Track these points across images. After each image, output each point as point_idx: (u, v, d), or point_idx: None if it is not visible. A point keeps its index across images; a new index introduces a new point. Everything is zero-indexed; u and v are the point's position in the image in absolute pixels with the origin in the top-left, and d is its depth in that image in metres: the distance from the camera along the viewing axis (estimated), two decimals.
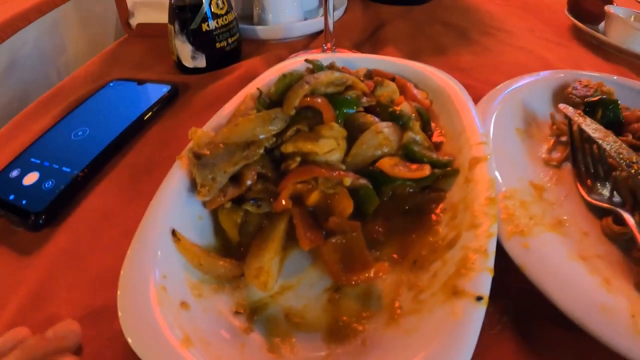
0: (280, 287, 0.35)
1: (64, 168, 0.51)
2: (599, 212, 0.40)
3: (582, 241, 0.38)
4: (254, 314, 0.33)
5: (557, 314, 0.31)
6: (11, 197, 0.47)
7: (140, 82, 0.64)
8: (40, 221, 0.45)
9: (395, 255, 0.35)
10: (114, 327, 0.35)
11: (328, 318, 0.32)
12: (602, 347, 0.29)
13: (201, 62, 0.66)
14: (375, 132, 0.40)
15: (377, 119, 0.42)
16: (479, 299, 0.28)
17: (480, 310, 0.28)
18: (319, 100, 0.40)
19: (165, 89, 0.62)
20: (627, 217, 0.38)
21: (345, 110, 0.41)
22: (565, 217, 0.40)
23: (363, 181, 0.37)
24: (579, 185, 0.43)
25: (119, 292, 0.32)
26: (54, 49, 1.10)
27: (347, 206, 0.35)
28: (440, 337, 0.27)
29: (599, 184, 0.42)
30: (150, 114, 0.59)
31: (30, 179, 0.50)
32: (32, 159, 0.53)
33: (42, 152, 0.54)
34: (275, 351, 0.31)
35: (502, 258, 0.33)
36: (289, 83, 0.42)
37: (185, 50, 0.65)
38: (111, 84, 0.65)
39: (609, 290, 0.32)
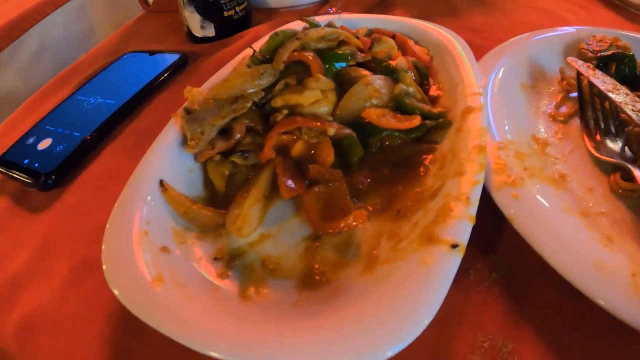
0: (260, 235, 0.35)
1: (74, 133, 0.53)
2: (606, 168, 0.38)
3: (585, 197, 0.36)
4: (231, 260, 0.33)
5: (551, 273, 0.29)
6: (25, 161, 0.50)
7: (152, 52, 0.66)
8: (50, 181, 0.48)
9: (379, 206, 0.35)
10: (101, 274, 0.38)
11: (303, 266, 0.32)
12: (598, 310, 0.26)
13: (210, 32, 0.67)
14: (364, 84, 0.39)
15: (370, 74, 0.41)
16: (455, 246, 0.27)
17: (455, 258, 0.27)
18: (308, 54, 0.39)
19: (174, 57, 0.63)
20: (638, 173, 0.35)
21: (335, 65, 0.40)
22: (568, 172, 0.38)
23: (347, 130, 0.36)
24: (586, 140, 0.40)
25: (105, 230, 0.33)
26: (83, 32, 1.14)
27: (328, 155, 0.35)
28: (408, 284, 0.26)
29: (608, 140, 0.40)
30: (158, 81, 0.60)
31: (44, 144, 0.53)
32: (47, 127, 0.56)
33: (57, 121, 0.57)
34: (245, 296, 0.31)
35: (495, 213, 0.32)
36: (281, 40, 0.42)
37: (194, 20, 0.66)
38: (125, 56, 0.67)
39: (608, 247, 0.30)
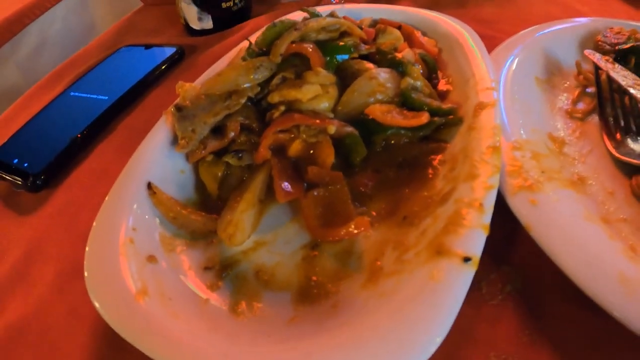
0: (254, 242, 0.33)
1: (65, 131, 0.51)
2: (628, 170, 0.35)
3: (606, 202, 0.33)
4: (223, 270, 0.31)
5: (570, 287, 0.26)
6: (15, 160, 0.48)
7: (148, 46, 0.64)
8: (39, 182, 0.46)
9: (383, 211, 0.32)
10: None
11: (300, 277, 0.30)
12: (620, 328, 0.24)
13: (208, 24, 0.64)
14: (368, 77, 0.36)
15: (374, 67, 0.38)
16: (467, 260, 0.24)
17: (467, 273, 0.24)
18: (307, 45, 0.36)
19: (171, 51, 0.61)
20: None
21: (336, 57, 0.37)
22: (588, 174, 0.35)
23: (349, 129, 0.33)
24: (606, 139, 0.37)
25: (89, 237, 0.31)
26: (83, 27, 1.12)
27: (328, 155, 0.32)
28: (415, 303, 0.23)
29: (629, 139, 0.37)
30: (154, 75, 0.58)
31: (34, 143, 0.51)
32: (38, 125, 0.54)
33: (48, 118, 0.55)
34: (236, 311, 0.28)
35: (509, 218, 0.29)
36: (279, 31, 0.39)
37: (191, 12, 0.64)
38: (120, 50, 0.65)
39: (632, 259, 0.27)
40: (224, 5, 0.63)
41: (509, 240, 0.32)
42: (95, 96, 0.56)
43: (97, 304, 0.27)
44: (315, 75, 0.35)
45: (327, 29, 0.39)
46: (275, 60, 0.37)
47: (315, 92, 0.34)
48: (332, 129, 0.33)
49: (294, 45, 0.37)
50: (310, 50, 0.36)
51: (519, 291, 0.30)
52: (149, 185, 0.35)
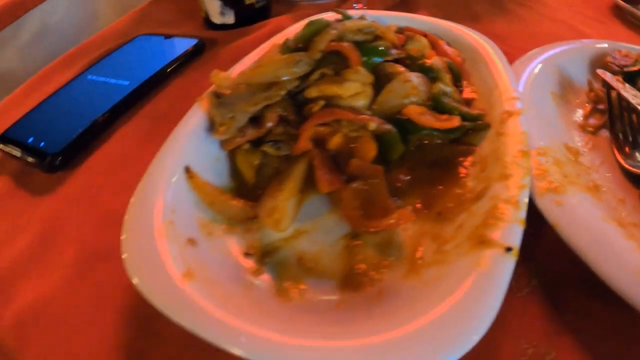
0: (294, 231, 0.33)
1: (84, 113, 0.50)
2: (636, 181, 0.38)
3: (617, 208, 0.36)
4: (264, 256, 0.32)
5: (589, 281, 0.28)
6: (30, 139, 0.47)
7: (167, 36, 0.64)
8: (56, 162, 0.45)
9: (419, 205, 0.34)
10: (117, 264, 0.35)
11: (343, 265, 0.31)
12: (637, 319, 0.27)
13: (229, 19, 0.65)
14: (403, 80, 0.38)
15: (406, 70, 0.40)
16: (509, 249, 0.26)
17: (510, 261, 0.26)
18: (346, 45, 0.38)
19: (191, 42, 0.61)
20: None
21: (372, 58, 0.39)
22: (601, 183, 0.38)
23: (388, 126, 0.35)
24: (616, 152, 0.40)
25: (124, 220, 0.30)
26: (86, 16, 1.11)
27: (370, 149, 0.34)
28: (463, 288, 0.25)
29: (637, 153, 0.40)
30: (174, 65, 0.58)
31: (50, 123, 0.50)
32: (55, 105, 0.53)
33: (65, 99, 0.54)
34: (283, 294, 0.29)
35: (531, 219, 0.31)
36: (315, 30, 0.41)
37: (213, 6, 0.64)
38: (138, 38, 0.65)
39: None
40: (247, 1, 0.64)
41: (532, 239, 0.34)
42: (115, 81, 0.55)
43: (140, 286, 0.26)
44: (355, 73, 0.37)
45: (362, 31, 0.40)
46: (314, 57, 0.38)
47: (356, 89, 0.36)
48: (373, 125, 0.34)
49: (333, 43, 0.38)
50: (350, 49, 0.38)
51: (542, 285, 0.32)
52: (187, 169, 0.35)
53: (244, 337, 0.23)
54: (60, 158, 0.45)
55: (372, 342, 0.23)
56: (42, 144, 0.46)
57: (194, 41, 0.61)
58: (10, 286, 0.36)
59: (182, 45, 0.61)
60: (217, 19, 0.65)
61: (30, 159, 0.45)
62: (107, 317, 0.32)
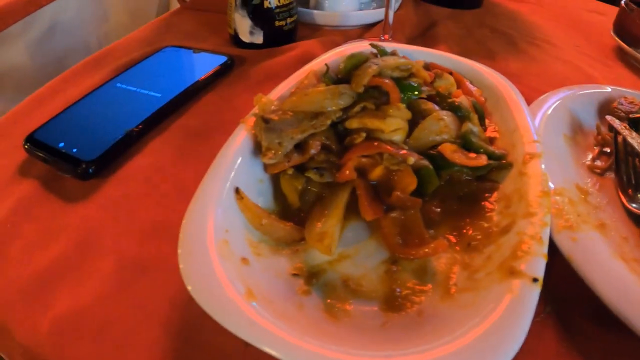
0: (338, 255, 0.36)
1: (117, 122, 0.52)
2: (638, 221, 0.42)
3: (622, 245, 0.40)
4: (312, 277, 0.34)
5: (597, 310, 0.32)
6: (61, 144, 0.48)
7: (196, 50, 0.66)
8: (90, 170, 0.46)
9: (449, 236, 0.37)
10: (160, 277, 0.37)
11: (385, 288, 0.34)
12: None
13: (258, 39, 0.67)
14: (437, 118, 0.41)
15: (437, 107, 0.44)
16: (535, 280, 0.30)
17: (536, 290, 0.29)
18: (388, 81, 0.42)
19: (222, 59, 0.63)
20: None
21: (409, 95, 0.43)
22: (607, 222, 0.42)
23: (425, 162, 0.38)
24: (620, 194, 0.44)
25: (179, 243, 0.31)
26: (96, 17, 1.12)
27: (410, 183, 0.37)
28: (497, 312, 0.28)
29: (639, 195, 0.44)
30: (206, 81, 0.60)
31: (81, 130, 0.51)
32: (85, 111, 0.54)
33: (95, 106, 0.55)
34: (332, 313, 0.32)
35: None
36: (356, 63, 0.44)
37: (244, 25, 0.66)
38: (166, 49, 0.67)
39: None
40: (277, 23, 0.66)
41: (546, 269, 0.38)
42: (146, 92, 0.57)
43: (202, 305, 0.27)
44: (397, 109, 0.40)
45: (400, 68, 0.44)
46: (357, 90, 0.41)
47: (398, 125, 0.39)
48: (411, 160, 0.37)
49: (375, 78, 0.42)
50: (391, 86, 0.41)
51: (555, 311, 0.36)
52: (237, 190, 0.37)
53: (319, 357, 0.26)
54: (94, 166, 0.46)
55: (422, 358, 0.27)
56: (75, 150, 0.47)
57: (223, 58, 0.63)
58: (48, 292, 0.36)
59: (212, 61, 0.63)
60: (246, 37, 0.68)
61: (62, 165, 0.46)
62: (151, 330, 0.33)
